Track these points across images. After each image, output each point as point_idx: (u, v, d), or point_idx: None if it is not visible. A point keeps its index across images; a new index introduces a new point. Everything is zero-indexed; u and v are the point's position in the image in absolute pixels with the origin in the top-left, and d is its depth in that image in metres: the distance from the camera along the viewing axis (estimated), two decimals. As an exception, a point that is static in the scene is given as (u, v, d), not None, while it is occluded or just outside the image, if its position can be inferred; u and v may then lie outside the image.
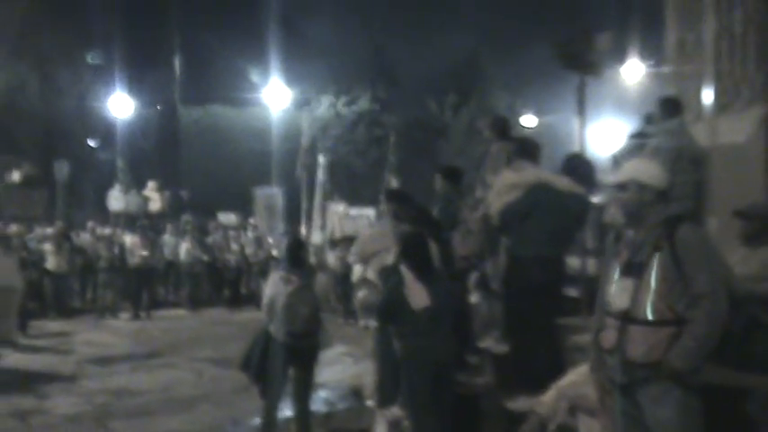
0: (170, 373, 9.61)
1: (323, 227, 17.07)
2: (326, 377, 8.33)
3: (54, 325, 13.51)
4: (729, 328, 3.37)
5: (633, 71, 20.03)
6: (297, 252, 6.66)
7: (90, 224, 16.81)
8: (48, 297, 14.43)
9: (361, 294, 6.56)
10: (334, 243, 15.36)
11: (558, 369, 5.13)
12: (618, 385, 3.48)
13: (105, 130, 25.93)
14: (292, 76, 25.51)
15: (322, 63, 27.84)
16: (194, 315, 15.26)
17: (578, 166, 6.59)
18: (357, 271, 6.78)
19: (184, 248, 16.04)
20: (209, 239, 17.10)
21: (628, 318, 3.37)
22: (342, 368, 9.38)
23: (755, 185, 6.14)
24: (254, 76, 26.83)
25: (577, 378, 4.53)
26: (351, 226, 15.50)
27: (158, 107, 28.25)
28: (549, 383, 4.81)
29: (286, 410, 6.62)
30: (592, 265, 6.78)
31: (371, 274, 6.34)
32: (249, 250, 17.08)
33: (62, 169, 20.63)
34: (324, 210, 17.33)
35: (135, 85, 25.37)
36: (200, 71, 27.80)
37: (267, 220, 19.98)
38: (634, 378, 3.37)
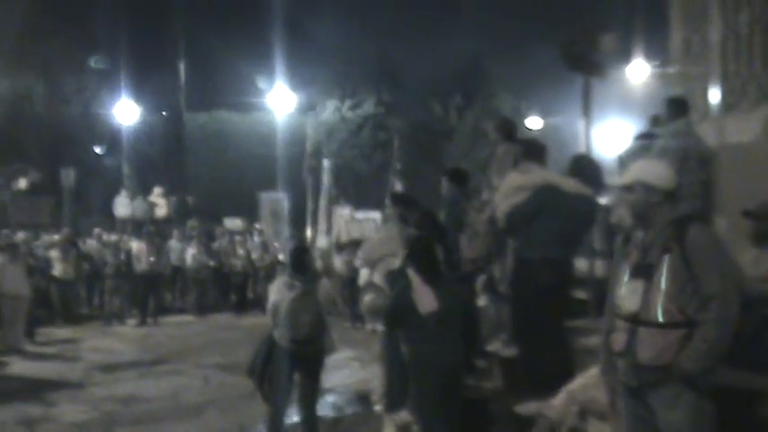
0: (177, 380, 9.60)
1: (328, 231, 17.07)
2: (334, 382, 8.32)
3: (61, 332, 13.54)
4: (741, 330, 3.33)
5: (638, 72, 19.95)
6: (300, 257, 6.61)
7: (96, 231, 16.88)
8: (55, 304, 14.46)
9: (367, 298, 6.55)
10: (340, 247, 15.34)
11: (567, 372, 5.10)
12: (629, 388, 3.44)
13: (111, 137, 26.00)
14: (297, 81, 25.55)
15: (327, 67, 27.90)
16: (201, 320, 15.27)
17: (585, 167, 6.56)
18: (364, 275, 6.77)
19: (191, 254, 16.06)
20: (216, 245, 17.14)
21: (638, 320, 3.33)
22: (349, 373, 9.36)
23: (764, 185, 6.09)
24: (260, 82, 26.86)
25: (587, 381, 4.50)
26: (357, 229, 15.49)
27: (164, 113, 28.31)
28: (559, 387, 4.78)
29: (293, 416, 6.60)
30: (599, 266, 6.75)
31: (378, 279, 6.32)
32: (255, 255, 17.12)
33: (68, 176, 20.72)
34: (329, 214, 17.34)
35: (140, 92, 25.43)
36: (205, 77, 27.87)
37: (273, 225, 20.00)
38: (645, 381, 3.33)
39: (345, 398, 8.19)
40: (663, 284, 3.29)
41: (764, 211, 4.63)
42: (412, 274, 5.14)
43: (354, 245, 12.16)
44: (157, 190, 20.02)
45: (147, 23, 26.79)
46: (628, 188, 3.54)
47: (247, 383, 6.65)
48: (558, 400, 4.66)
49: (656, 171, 3.55)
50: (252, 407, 7.35)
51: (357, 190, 24.01)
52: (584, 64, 7.57)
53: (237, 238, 17.75)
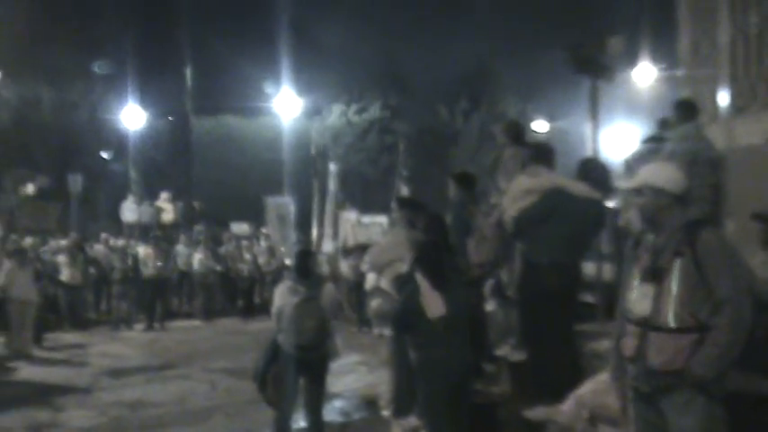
0: (184, 385, 9.59)
1: (335, 235, 17.06)
2: (341, 387, 8.30)
3: (69, 337, 13.56)
4: (753, 334, 3.29)
5: (645, 75, 19.92)
6: (304, 262, 6.59)
7: (104, 236, 16.90)
8: (62, 309, 14.47)
9: (374, 303, 6.51)
10: (347, 251, 15.34)
11: (576, 377, 5.06)
12: (640, 394, 3.41)
13: (118, 142, 26.06)
14: (303, 85, 25.58)
15: (332, 72, 27.90)
16: (208, 325, 15.27)
17: (593, 171, 6.53)
18: (370, 279, 6.74)
19: (198, 259, 16.08)
20: (223, 249, 17.15)
21: (649, 325, 3.30)
22: (356, 377, 9.34)
23: (774, 188, 6.06)
24: (266, 86, 26.90)
25: (597, 386, 4.46)
26: (363, 234, 15.49)
27: (170, 118, 28.35)
28: (568, 392, 4.74)
29: (300, 421, 6.58)
30: (607, 270, 6.72)
31: (385, 283, 6.29)
32: (262, 259, 17.12)
33: (76, 182, 20.78)
34: (336, 218, 17.34)
35: (146, 97, 25.49)
36: (211, 81, 27.90)
37: (279, 230, 20.00)
38: (657, 386, 3.30)
39: (353, 403, 8.17)
40: (674, 289, 3.25)
41: (775, 214, 4.59)
42: (420, 278, 5.11)
43: (361, 249, 12.14)
44: (164, 195, 20.06)
45: (154, 28, 26.85)
46: (637, 191, 3.51)
47: (254, 388, 6.64)
48: (568, 405, 4.63)
49: (665, 174, 3.52)
50: (259, 412, 7.32)
51: (363, 194, 24.03)
52: (592, 67, 7.56)
53: (244, 242, 17.78)
